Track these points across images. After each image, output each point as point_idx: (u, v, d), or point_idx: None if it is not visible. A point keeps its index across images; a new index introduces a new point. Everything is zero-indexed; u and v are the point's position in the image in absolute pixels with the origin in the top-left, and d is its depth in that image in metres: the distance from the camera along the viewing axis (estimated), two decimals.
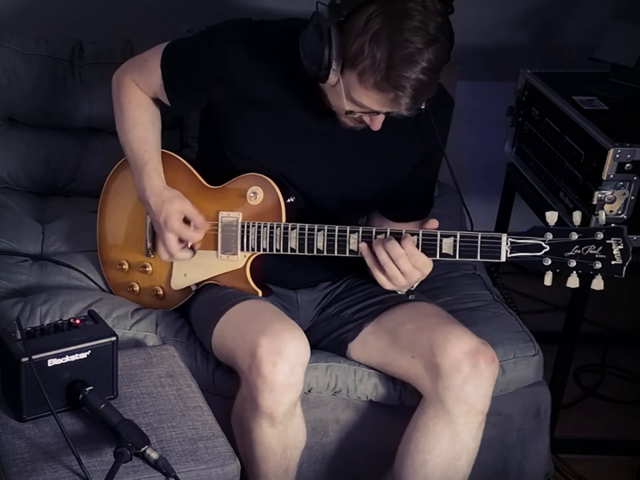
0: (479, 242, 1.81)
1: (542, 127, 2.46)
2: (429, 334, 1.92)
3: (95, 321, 1.76)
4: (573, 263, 1.77)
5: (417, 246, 1.82)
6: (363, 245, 1.86)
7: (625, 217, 2.19)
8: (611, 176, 2.14)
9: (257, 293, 2.01)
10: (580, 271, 1.78)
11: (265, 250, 1.96)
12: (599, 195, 2.16)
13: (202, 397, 1.83)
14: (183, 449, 1.68)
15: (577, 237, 1.76)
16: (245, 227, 1.97)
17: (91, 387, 1.68)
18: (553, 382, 2.35)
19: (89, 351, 1.70)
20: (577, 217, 1.77)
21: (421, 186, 2.07)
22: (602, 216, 1.78)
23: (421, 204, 2.10)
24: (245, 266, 2.00)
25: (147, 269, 2.13)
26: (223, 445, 1.71)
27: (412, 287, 1.93)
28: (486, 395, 1.90)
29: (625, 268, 1.76)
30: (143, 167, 2.00)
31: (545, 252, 1.78)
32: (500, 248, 1.80)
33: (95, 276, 2.24)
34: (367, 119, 1.80)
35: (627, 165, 2.13)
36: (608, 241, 1.75)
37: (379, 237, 1.85)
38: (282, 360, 1.78)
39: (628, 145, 2.13)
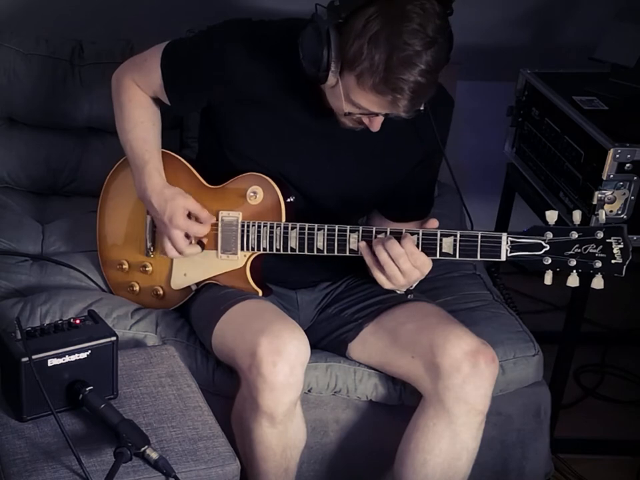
0: (479, 241, 1.81)
1: (542, 127, 2.46)
2: (429, 334, 1.92)
3: (95, 321, 1.76)
4: (573, 262, 1.77)
5: (417, 245, 1.82)
6: (363, 244, 1.86)
7: (625, 216, 2.19)
8: (611, 176, 2.14)
9: (257, 292, 2.01)
10: (580, 270, 1.78)
11: (264, 249, 1.96)
12: (599, 195, 2.16)
13: (202, 397, 1.82)
14: (182, 448, 1.68)
15: (577, 236, 1.76)
16: (245, 226, 1.97)
17: (91, 387, 1.68)
18: (552, 382, 2.35)
19: (89, 351, 1.70)
20: (577, 216, 1.77)
21: (420, 186, 2.07)
22: (602, 216, 1.77)
23: (420, 204, 2.10)
24: (244, 265, 2.00)
25: (147, 269, 2.13)
26: (222, 445, 1.71)
27: (411, 287, 1.93)
28: (486, 394, 1.90)
29: (625, 267, 1.76)
30: (144, 167, 2.00)
31: (545, 251, 1.78)
32: (500, 247, 1.80)
33: (95, 276, 2.24)
34: (365, 120, 1.80)
35: (627, 165, 2.13)
36: (608, 240, 1.75)
37: (379, 236, 1.85)
38: (282, 360, 1.78)
39: (628, 145, 2.13)
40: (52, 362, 1.66)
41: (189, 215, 1.97)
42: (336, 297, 2.13)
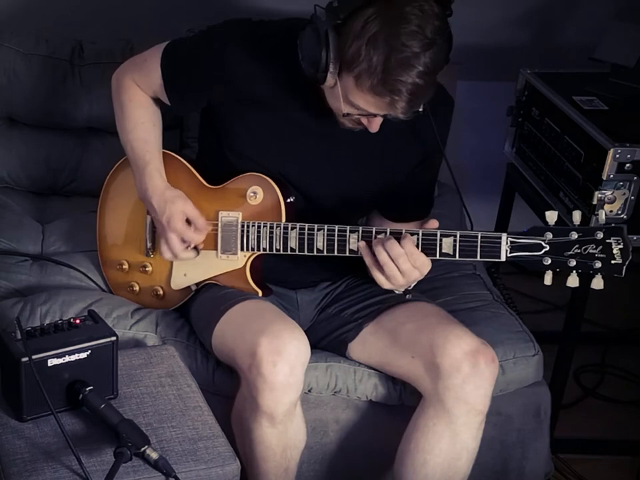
0: (479, 241, 1.81)
1: (542, 127, 2.46)
2: (429, 334, 1.92)
3: (95, 321, 1.76)
4: (573, 263, 1.77)
5: (417, 246, 1.82)
6: (362, 244, 1.86)
7: (625, 216, 2.19)
8: (611, 176, 2.14)
9: (257, 292, 2.01)
10: (580, 271, 1.78)
11: (264, 250, 1.96)
12: (599, 195, 2.16)
13: (202, 397, 1.82)
14: (182, 448, 1.68)
15: (576, 236, 1.76)
16: (245, 226, 1.97)
17: (91, 387, 1.68)
18: (552, 382, 2.35)
19: (89, 351, 1.70)
20: (576, 216, 1.77)
21: (420, 186, 2.07)
22: (602, 216, 1.78)
23: (420, 204, 2.10)
24: (244, 266, 2.00)
25: (147, 269, 2.13)
26: (222, 445, 1.71)
27: (409, 287, 1.93)
28: (486, 394, 1.90)
29: (624, 267, 1.76)
30: (145, 167, 2.00)
31: (545, 251, 1.78)
32: (500, 247, 1.80)
33: (95, 276, 2.24)
34: (364, 120, 1.80)
35: (627, 165, 2.13)
36: (608, 241, 1.75)
37: (378, 236, 1.85)
38: (282, 360, 1.78)
39: (628, 145, 2.13)
40: (52, 362, 1.66)
41: (188, 220, 1.98)
42: (336, 297, 2.13)
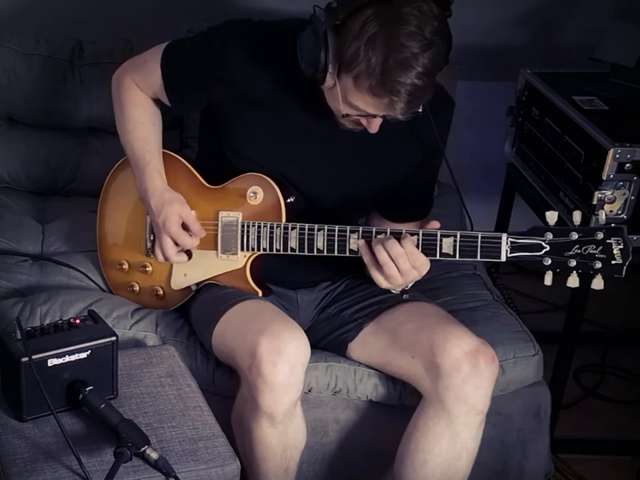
0: (479, 242, 1.81)
1: (542, 127, 2.46)
2: (429, 334, 1.92)
3: (95, 321, 1.76)
4: (573, 263, 1.77)
5: (417, 246, 1.82)
6: (361, 242, 1.85)
7: (625, 217, 2.19)
8: (611, 176, 2.14)
9: (257, 292, 2.01)
10: (580, 271, 1.78)
11: (264, 250, 1.96)
12: (599, 195, 2.16)
13: (202, 397, 1.83)
14: (182, 448, 1.68)
15: (577, 236, 1.76)
16: (245, 226, 1.97)
17: (91, 387, 1.68)
18: (552, 382, 2.35)
19: (89, 351, 1.70)
20: (576, 216, 1.77)
21: (420, 186, 2.07)
22: (602, 216, 1.78)
23: (420, 204, 2.10)
24: (244, 266, 2.00)
25: (147, 269, 2.13)
26: (222, 445, 1.71)
27: (406, 287, 1.93)
28: (486, 394, 1.90)
29: (625, 268, 1.76)
30: (145, 168, 2.00)
31: (545, 252, 1.78)
32: (500, 248, 1.80)
33: (95, 276, 2.24)
34: (364, 121, 1.80)
35: (627, 165, 2.13)
36: (608, 241, 1.75)
37: (378, 236, 1.85)
38: (282, 360, 1.78)
39: (628, 145, 2.13)
40: (52, 362, 1.66)
41: (184, 224, 1.98)
42: (336, 296, 2.13)
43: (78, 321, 1.74)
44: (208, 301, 2.03)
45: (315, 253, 1.92)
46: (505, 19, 2.87)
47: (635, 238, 2.18)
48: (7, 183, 2.60)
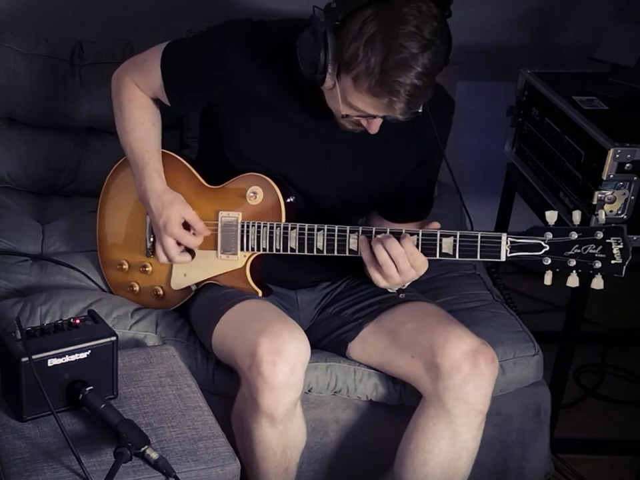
0: (479, 241, 1.81)
1: (542, 127, 2.46)
2: (429, 334, 1.92)
3: (95, 321, 1.76)
4: (573, 263, 1.77)
5: (417, 246, 1.82)
6: (362, 237, 1.85)
7: (625, 217, 2.19)
8: (611, 176, 2.14)
9: (257, 292, 2.01)
10: (580, 271, 1.78)
11: (264, 250, 1.96)
12: (599, 195, 2.16)
13: (202, 397, 1.83)
14: (182, 448, 1.68)
15: (576, 236, 1.76)
16: (245, 226, 1.97)
17: (91, 387, 1.68)
18: (552, 382, 2.35)
19: (89, 351, 1.70)
20: (576, 216, 1.77)
21: (420, 186, 2.07)
22: (602, 216, 1.78)
23: (420, 204, 2.10)
24: (244, 266, 2.00)
25: (147, 269, 2.13)
26: (222, 445, 1.71)
27: (403, 286, 1.93)
28: (486, 394, 1.90)
29: (624, 267, 1.76)
30: (144, 168, 2.00)
31: (545, 251, 1.78)
32: (500, 247, 1.80)
33: (95, 276, 2.24)
34: (364, 122, 1.80)
35: (627, 165, 2.13)
36: (608, 240, 1.75)
37: (378, 236, 1.85)
38: (282, 360, 1.78)
39: (628, 145, 2.13)
40: (52, 362, 1.66)
41: (185, 224, 1.98)
42: (336, 296, 2.13)
43: (78, 321, 1.74)
44: (208, 301, 2.03)
45: (315, 253, 1.92)
46: (505, 19, 2.88)
47: (634, 238, 2.18)
48: (7, 183, 2.60)
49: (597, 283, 1.77)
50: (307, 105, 1.90)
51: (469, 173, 2.85)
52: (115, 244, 2.19)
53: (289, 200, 1.96)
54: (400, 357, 1.97)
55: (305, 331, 1.91)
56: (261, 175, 1.96)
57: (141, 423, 1.67)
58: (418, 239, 1.83)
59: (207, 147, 2.12)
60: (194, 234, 1.99)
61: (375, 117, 1.77)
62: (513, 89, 2.58)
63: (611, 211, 2.17)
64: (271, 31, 1.92)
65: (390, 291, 1.96)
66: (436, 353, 1.88)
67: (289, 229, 1.93)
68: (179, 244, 2.00)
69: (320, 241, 1.91)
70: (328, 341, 2.09)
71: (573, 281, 1.79)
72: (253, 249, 1.98)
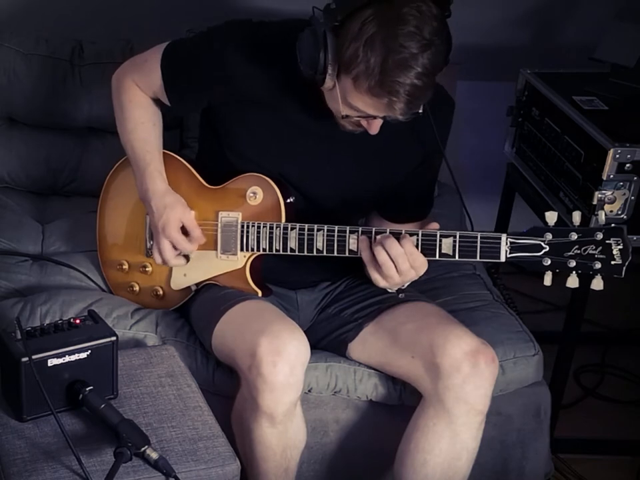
0: (479, 242, 1.81)
1: (542, 127, 2.46)
2: (429, 334, 1.92)
3: (95, 321, 1.77)
4: (573, 263, 1.77)
5: (417, 246, 1.82)
6: (362, 238, 1.85)
7: (625, 217, 2.19)
8: (611, 176, 2.14)
9: (257, 293, 2.01)
10: (579, 271, 1.77)
11: (264, 250, 1.96)
12: (599, 195, 2.16)
13: (202, 397, 1.83)
14: (182, 448, 1.68)
15: (576, 237, 1.76)
16: (245, 227, 1.97)
17: (91, 387, 1.69)
18: (552, 382, 2.35)
19: (89, 351, 1.70)
20: (576, 217, 1.77)
21: (420, 186, 2.07)
22: (602, 216, 1.78)
23: (420, 204, 2.10)
24: (244, 266, 2.00)
25: (147, 269, 2.13)
26: (222, 445, 1.71)
27: (402, 286, 1.93)
28: (486, 394, 1.90)
29: (624, 268, 1.75)
30: (145, 168, 2.00)
31: (545, 252, 1.78)
32: (499, 248, 1.80)
33: (95, 276, 2.24)
34: (364, 122, 1.80)
35: (627, 165, 2.13)
36: (607, 241, 1.75)
37: (378, 236, 1.85)
38: (282, 360, 1.78)
39: (628, 145, 2.13)
40: (52, 362, 1.66)
41: (183, 228, 1.98)
42: (336, 297, 2.13)
43: (78, 321, 1.74)
44: (208, 301, 2.03)
45: (315, 253, 1.92)
46: (505, 19, 2.88)
47: (634, 238, 2.18)
48: (7, 183, 2.60)
49: (597, 283, 1.77)
50: (307, 105, 1.90)
51: (469, 173, 2.85)
52: (115, 244, 2.19)
53: (288, 200, 1.96)
54: (400, 356, 1.97)
55: (305, 331, 1.91)
56: (260, 175, 1.96)
57: (140, 423, 1.67)
58: (417, 240, 1.83)
59: (207, 147, 2.12)
60: (189, 240, 1.99)
61: (375, 117, 1.77)
62: (513, 89, 2.58)
63: (611, 211, 2.17)
64: (271, 31, 1.92)
65: (389, 291, 1.96)
66: (436, 353, 1.88)
67: (289, 229, 1.93)
68: (175, 247, 2.00)
69: (320, 241, 1.91)
70: (328, 341, 2.09)
71: (572, 281, 1.79)
72: (252, 249, 1.98)
